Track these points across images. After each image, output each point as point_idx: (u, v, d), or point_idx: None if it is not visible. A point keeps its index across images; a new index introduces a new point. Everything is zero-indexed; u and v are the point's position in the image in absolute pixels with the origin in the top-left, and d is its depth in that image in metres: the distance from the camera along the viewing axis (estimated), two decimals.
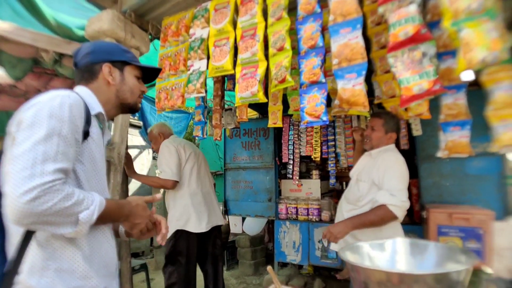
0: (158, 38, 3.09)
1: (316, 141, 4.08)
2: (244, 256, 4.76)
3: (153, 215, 1.17)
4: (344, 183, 4.86)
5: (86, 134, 1.01)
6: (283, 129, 4.29)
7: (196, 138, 4.05)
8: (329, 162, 4.07)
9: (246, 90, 2.04)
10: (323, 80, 1.80)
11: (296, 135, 4.25)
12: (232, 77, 3.23)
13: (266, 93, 2.14)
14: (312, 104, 1.82)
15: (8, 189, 0.81)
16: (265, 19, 2.08)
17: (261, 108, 4.52)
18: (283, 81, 1.90)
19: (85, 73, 1.18)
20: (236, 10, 2.25)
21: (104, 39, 2.63)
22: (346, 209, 2.29)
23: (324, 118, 1.76)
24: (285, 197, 4.35)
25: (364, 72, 1.67)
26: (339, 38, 1.74)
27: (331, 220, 3.98)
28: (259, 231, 5.01)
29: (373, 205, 2.06)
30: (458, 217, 2.80)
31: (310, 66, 1.84)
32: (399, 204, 1.94)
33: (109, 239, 1.12)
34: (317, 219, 4.01)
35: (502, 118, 1.94)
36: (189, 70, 2.40)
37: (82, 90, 1.15)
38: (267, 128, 4.47)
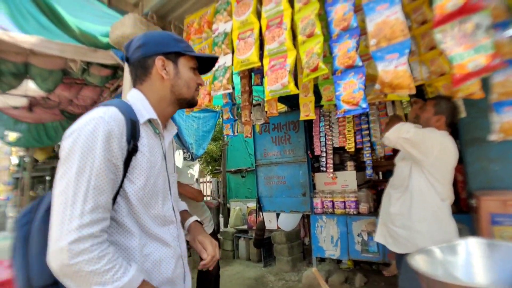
0: None
1: (349, 131, 3.91)
2: (281, 252, 4.68)
3: None
4: (380, 173, 4.64)
5: (134, 151, 0.96)
6: (314, 121, 4.15)
7: (225, 136, 4.01)
8: (364, 152, 3.87)
9: (276, 83, 1.93)
10: (360, 64, 1.66)
11: (328, 126, 4.09)
12: (259, 71, 3.13)
13: (296, 84, 2.02)
14: (348, 91, 1.68)
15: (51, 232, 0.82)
16: (291, 5, 1.96)
17: (290, 101, 4.39)
18: (315, 69, 1.78)
19: (138, 69, 1.10)
20: (259, 0, 2.15)
21: None
22: (395, 197, 2.09)
23: (364, 105, 1.62)
24: (320, 190, 4.21)
25: (407, 51, 1.51)
26: (375, 16, 1.59)
27: (370, 213, 3.80)
28: (295, 226, 4.91)
29: (421, 189, 1.94)
30: None
31: (344, 49, 1.69)
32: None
33: (173, 247, 1.07)
34: (355, 212, 3.84)
35: None
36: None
37: (133, 95, 1.09)
38: (297, 121, 4.34)
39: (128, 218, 0.95)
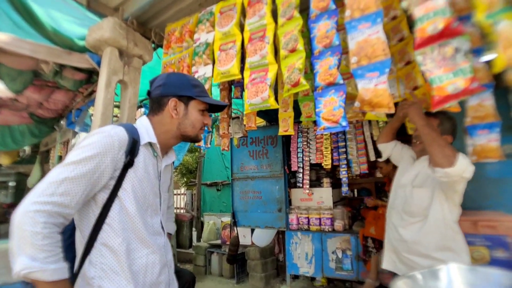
0: (162, 46, 2.99)
1: (326, 148, 3.94)
2: (254, 269, 4.57)
3: None
4: (355, 190, 4.68)
5: (129, 164, 1.12)
6: (292, 136, 4.15)
7: (202, 148, 3.92)
8: (341, 169, 3.90)
9: (256, 96, 1.91)
10: (341, 81, 1.66)
11: (305, 142, 4.10)
12: (239, 84, 3.11)
13: (276, 99, 1.99)
14: (329, 108, 1.67)
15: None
16: (275, 20, 1.96)
17: (269, 116, 4.38)
18: (296, 84, 1.77)
19: (154, 104, 1.28)
20: (243, 12, 2.14)
21: (106, 48, 2.52)
22: (403, 224, 1.98)
23: (344, 123, 1.61)
24: (295, 206, 4.19)
25: (387, 70, 1.52)
26: (357, 34, 1.60)
27: (345, 230, 3.81)
28: (269, 242, 4.82)
29: (444, 218, 1.83)
30: (484, 225, 2.62)
31: (326, 66, 1.69)
32: (460, 173, 1.65)
33: (159, 255, 1.18)
34: (330, 229, 3.83)
35: None
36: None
37: (141, 121, 1.27)
38: (275, 136, 4.32)
39: (120, 223, 1.08)
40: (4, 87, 3.14)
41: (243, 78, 2.04)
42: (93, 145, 1.04)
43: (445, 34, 1.40)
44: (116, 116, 3.14)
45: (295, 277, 4.30)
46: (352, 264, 3.62)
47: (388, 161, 2.53)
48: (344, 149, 3.90)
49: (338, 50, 1.69)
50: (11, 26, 2.80)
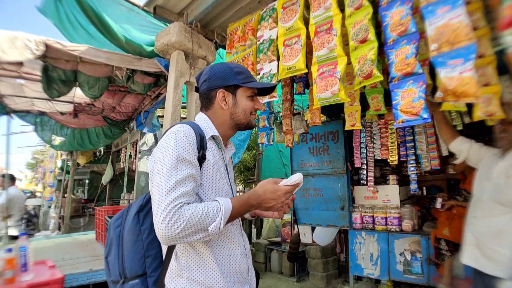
0: (223, 47, 3.07)
1: (392, 142, 3.72)
2: (315, 268, 4.50)
3: (288, 191, 1.14)
4: (424, 188, 4.36)
5: (202, 159, 1.12)
6: (354, 131, 3.99)
7: (260, 145, 3.95)
8: (409, 165, 3.64)
9: (325, 90, 1.86)
10: (420, 71, 1.55)
11: (369, 137, 3.92)
12: (301, 79, 3.07)
13: None
14: (407, 100, 1.57)
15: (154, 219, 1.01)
16: (341, 10, 1.89)
17: (329, 110, 4.26)
18: (369, 76, 1.69)
19: (204, 99, 1.29)
20: (307, 6, 2.10)
21: (173, 52, 2.66)
22: (494, 214, 1.92)
23: (425, 115, 1.50)
24: (359, 205, 4.03)
25: (473, 56, 1.39)
26: (436, 19, 1.48)
27: (414, 231, 3.58)
28: (330, 241, 4.71)
29: None
30: None
31: (402, 56, 1.59)
32: None
33: (238, 245, 1.19)
34: (397, 229, 3.62)
35: None
36: (258, 74, 2.29)
37: (199, 116, 1.28)
38: (336, 131, 4.20)
39: None
40: (84, 93, 3.49)
41: (310, 72, 2.00)
42: (176, 147, 1.07)
43: None
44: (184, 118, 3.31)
45: (358, 278, 4.14)
46: (422, 267, 3.39)
47: None
48: (412, 144, 3.64)
49: (415, 37, 1.57)
50: (87, 37, 3.11)
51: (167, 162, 1.04)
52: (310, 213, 4.36)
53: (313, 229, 4.82)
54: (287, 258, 4.66)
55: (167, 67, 2.86)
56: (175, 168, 1.03)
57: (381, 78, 1.66)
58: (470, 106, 2.15)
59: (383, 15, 1.69)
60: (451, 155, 3.29)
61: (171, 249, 1.11)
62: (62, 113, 4.64)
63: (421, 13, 1.53)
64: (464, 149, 2.27)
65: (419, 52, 1.73)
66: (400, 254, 3.55)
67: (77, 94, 3.80)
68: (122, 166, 6.65)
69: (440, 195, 3.50)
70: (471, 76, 1.38)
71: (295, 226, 4.59)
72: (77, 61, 2.99)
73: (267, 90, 1.38)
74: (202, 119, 1.27)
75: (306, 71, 2.03)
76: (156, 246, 1.18)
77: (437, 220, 3.38)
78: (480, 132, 3.36)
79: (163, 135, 1.15)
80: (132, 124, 5.13)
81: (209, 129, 1.24)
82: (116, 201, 7.12)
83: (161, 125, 5.52)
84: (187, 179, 1.03)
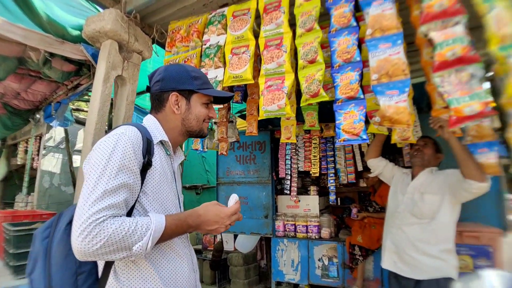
0: (161, 44, 2.90)
1: (314, 156, 3.99)
2: (237, 275, 4.51)
3: (233, 213, 1.11)
4: (338, 199, 4.78)
5: (148, 165, 1.04)
6: (280, 143, 4.16)
7: (195, 150, 3.82)
8: (329, 178, 3.97)
9: (272, 103, 1.90)
10: (362, 96, 1.70)
11: (294, 150, 4.14)
12: (240, 89, 3.08)
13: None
14: (349, 121, 1.70)
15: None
16: (292, 29, 1.97)
17: (259, 121, 4.36)
18: (315, 95, 1.78)
19: (155, 101, 1.21)
20: (257, 18, 2.13)
21: (105, 40, 2.41)
22: (410, 223, 2.20)
23: (364, 136, 1.65)
24: (282, 213, 4.20)
25: (407, 89, 1.58)
26: (378, 53, 1.64)
27: (331, 237, 3.87)
28: (252, 248, 4.80)
29: (449, 223, 2.11)
30: (468, 235, 2.79)
31: (347, 80, 1.72)
32: (486, 188, 1.95)
33: (185, 259, 1.12)
34: (316, 237, 3.88)
35: None
36: None
37: (148, 119, 1.20)
38: (263, 141, 4.32)
39: None
40: None
41: (255, 83, 2.02)
42: (115, 151, 0.98)
43: (462, 61, 1.48)
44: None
45: (278, 283, 4.30)
46: (338, 271, 3.68)
47: None
48: (332, 158, 3.98)
49: (359, 66, 1.72)
50: (0, 9, 2.60)
51: (98, 168, 0.94)
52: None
53: (235, 236, 4.84)
54: (209, 266, 4.58)
55: (94, 56, 2.56)
56: (106, 175, 0.93)
57: (327, 98, 1.77)
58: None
59: (331, 41, 1.81)
60: (365, 170, 3.70)
61: (109, 264, 1.00)
62: None
63: (366, 44, 1.69)
64: (380, 165, 2.58)
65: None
66: (319, 260, 3.80)
67: None
68: (19, 163, 5.67)
69: (354, 205, 3.90)
70: (405, 106, 1.57)
71: (218, 234, 4.55)
72: None
73: (224, 98, 1.34)
74: (151, 122, 1.18)
75: (252, 81, 2.04)
76: (91, 261, 1.05)
77: (351, 228, 3.74)
78: (388, 151, 3.84)
79: (106, 135, 1.05)
80: (38, 115, 4.44)
81: (158, 133, 1.15)
82: (10, 204, 5.95)
83: (76, 120, 4.91)
84: (120, 189, 0.94)
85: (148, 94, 4.50)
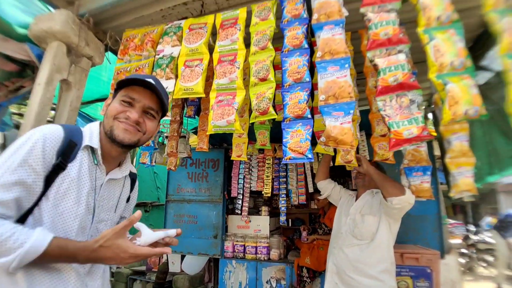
0: (114, 51, 2.79)
1: (267, 176, 4.00)
2: None
3: (144, 256, 0.95)
4: (289, 220, 4.79)
5: (59, 168, 0.96)
6: (234, 162, 4.13)
7: (141, 165, 3.66)
8: (280, 198, 3.99)
9: (221, 118, 1.87)
10: (309, 116, 1.73)
11: (247, 169, 4.12)
12: (193, 103, 3.02)
13: None
14: (295, 140, 1.71)
15: None
16: (246, 46, 1.99)
17: (212, 139, 4.31)
18: (265, 112, 1.79)
19: None
20: (213, 33, 2.12)
21: (53, 41, 2.26)
22: (350, 244, 2.26)
23: (309, 155, 1.67)
24: (232, 233, 4.10)
25: (352, 112, 1.64)
26: (327, 74, 1.70)
27: (280, 259, 3.83)
28: (200, 270, 4.60)
29: (387, 243, 2.20)
30: (409, 257, 2.91)
31: (296, 100, 1.75)
32: (409, 200, 2.10)
33: (70, 277, 0.98)
34: (265, 258, 3.82)
35: (459, 165, 2.07)
36: None
37: (94, 124, 1.12)
38: (217, 159, 4.26)
39: None
40: None
41: (206, 97, 1.99)
42: (23, 145, 0.92)
43: (403, 87, 1.58)
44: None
45: None
46: None
47: None
48: (284, 179, 4.01)
49: (308, 86, 1.76)
50: None
51: (0, 161, 0.90)
52: (182, 241, 4.17)
53: (182, 257, 4.62)
54: None
55: (39, 57, 2.37)
56: (3, 168, 0.88)
57: (276, 116, 1.78)
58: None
59: (283, 60, 1.85)
60: (315, 192, 3.77)
61: None
62: None
63: (315, 66, 1.75)
64: (329, 187, 2.67)
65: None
66: (267, 282, 3.72)
67: None
68: None
69: (303, 227, 3.92)
70: (350, 128, 1.62)
71: (164, 255, 4.30)
72: None
73: (153, 87, 1.09)
74: (93, 127, 1.10)
75: (203, 95, 2.01)
76: None
77: (300, 250, 3.74)
78: (339, 174, 3.96)
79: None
80: None
81: (90, 137, 1.06)
82: None
83: (16, 125, 4.49)
84: (14, 186, 0.87)
85: (99, 104, 4.25)
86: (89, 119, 4.58)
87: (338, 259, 2.29)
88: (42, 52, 2.37)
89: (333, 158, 2.46)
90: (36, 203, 0.94)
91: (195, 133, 4.63)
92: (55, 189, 0.95)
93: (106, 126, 1.06)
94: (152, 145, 3.05)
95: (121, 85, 1.10)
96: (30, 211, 0.93)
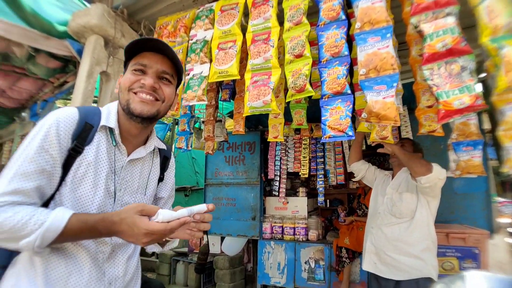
0: None
1: (304, 157, 3.95)
2: (222, 279, 4.42)
3: (158, 232, 0.84)
4: (327, 200, 4.75)
5: (75, 152, 0.93)
6: (270, 144, 4.12)
7: (178, 150, 3.77)
8: (318, 179, 3.94)
9: (257, 99, 1.85)
10: (349, 91, 1.66)
11: (284, 151, 4.09)
12: (228, 87, 3.03)
13: None
14: (335, 117, 1.66)
15: None
16: (280, 24, 1.93)
17: (248, 121, 4.32)
18: (302, 90, 1.74)
19: None
20: (245, 13, 2.09)
21: (91, 35, 2.35)
22: (390, 223, 2.22)
23: (350, 133, 1.61)
24: (270, 215, 4.14)
25: (395, 85, 1.55)
26: (367, 46, 1.61)
27: (318, 240, 3.83)
28: (239, 251, 4.72)
29: (427, 221, 2.14)
30: (455, 237, 2.77)
31: (334, 75, 1.69)
32: (438, 176, 2.03)
33: (85, 263, 0.95)
34: (304, 239, 3.83)
35: None
36: (188, 74, 2.17)
37: (113, 103, 1.06)
38: (253, 142, 4.27)
39: None
40: None
41: (241, 79, 1.98)
42: (39, 132, 0.90)
43: (453, 52, 1.46)
44: None
45: (264, 287, 4.23)
46: (324, 274, 3.63)
47: None
48: (322, 159, 3.95)
49: (346, 60, 1.69)
50: None
51: (19, 150, 0.88)
52: (221, 223, 4.29)
53: (222, 239, 4.76)
54: (194, 269, 4.46)
55: (80, 52, 2.48)
56: (22, 158, 0.86)
57: (313, 93, 1.73)
58: None
59: (319, 35, 1.78)
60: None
61: (17, 253, 0.94)
62: None
63: (354, 39, 1.66)
64: (363, 169, 2.62)
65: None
66: (305, 262, 3.75)
67: None
68: (3, 163, 5.50)
69: (341, 207, 3.87)
70: (393, 102, 1.53)
71: (205, 236, 4.44)
72: None
73: (163, 51, 1.02)
74: (111, 106, 1.04)
75: (238, 77, 1.99)
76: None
77: (339, 230, 3.70)
78: (373, 153, 3.83)
79: None
80: (24, 114, 4.30)
81: (107, 117, 1.00)
82: None
83: None
84: (33, 174, 0.85)
85: None
86: None
87: (377, 239, 2.26)
88: (82, 47, 2.47)
89: (367, 136, 2.37)
90: (57, 189, 0.93)
91: (231, 117, 4.68)
92: (72, 174, 0.93)
93: (122, 101, 1.00)
94: (188, 129, 3.11)
95: (129, 54, 1.04)
96: (51, 196, 0.93)
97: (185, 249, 5.22)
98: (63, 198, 0.92)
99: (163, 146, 1.21)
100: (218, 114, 3.30)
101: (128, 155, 1.06)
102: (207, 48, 2.14)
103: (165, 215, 0.84)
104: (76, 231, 0.85)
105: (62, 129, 0.90)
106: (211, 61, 2.10)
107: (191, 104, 2.09)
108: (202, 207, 0.92)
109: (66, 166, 0.92)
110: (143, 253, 5.87)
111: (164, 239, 1.09)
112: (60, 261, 0.92)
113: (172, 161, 1.30)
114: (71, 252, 0.94)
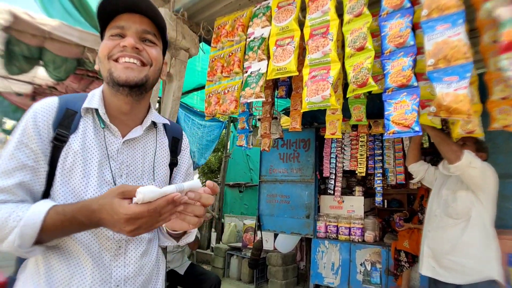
0: (207, 41, 2.95)
1: (361, 155, 3.81)
2: (275, 275, 4.46)
3: (137, 216, 0.69)
4: (385, 201, 4.52)
5: (58, 142, 0.85)
6: (325, 141, 4.04)
7: (231, 147, 3.86)
8: (376, 178, 3.77)
9: (316, 94, 1.82)
10: (415, 84, 1.57)
11: (340, 148, 3.99)
12: (284, 83, 3.04)
13: None
14: (400, 112, 1.58)
15: None
16: (339, 16, 1.88)
17: (303, 118, 4.26)
18: (364, 84, 1.68)
19: None
20: (303, 8, 2.07)
21: None
22: (448, 225, 2.11)
23: (417, 128, 1.52)
24: (324, 214, 4.07)
25: (469, 75, 1.42)
26: (435, 35, 1.51)
27: (375, 242, 3.67)
28: (292, 249, 4.72)
29: (483, 220, 2.02)
30: None
31: (399, 67, 1.60)
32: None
33: (87, 263, 0.85)
34: (359, 240, 3.70)
35: None
36: (246, 72, 2.21)
37: (97, 88, 0.96)
38: (307, 139, 4.23)
39: None
40: (47, 74, 3.16)
41: (300, 75, 1.97)
42: (18, 127, 0.85)
43: None
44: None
45: (317, 286, 4.17)
46: (381, 278, 3.48)
47: None
48: (380, 157, 3.77)
49: (412, 50, 1.59)
50: (61, 12, 2.83)
51: (6, 146, 0.84)
52: (275, 220, 4.32)
53: (275, 235, 4.79)
54: (248, 264, 4.57)
55: None
56: (3, 155, 0.81)
57: (376, 87, 1.66)
58: None
59: (382, 25, 1.70)
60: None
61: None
62: (18, 94, 4.16)
63: (421, 28, 1.56)
64: (421, 170, 2.49)
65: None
66: (361, 264, 3.62)
67: (39, 75, 3.44)
68: None
69: (397, 215, 3.57)
70: (466, 94, 1.42)
71: (258, 232, 4.53)
72: (44, 37, 2.69)
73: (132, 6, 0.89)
74: (97, 89, 0.95)
75: (297, 73, 1.98)
76: None
77: (398, 232, 3.51)
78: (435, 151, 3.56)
79: None
80: None
81: (90, 99, 0.91)
82: None
83: None
84: (14, 171, 0.80)
85: (195, 93, 4.55)
86: (187, 108, 5.00)
87: (434, 242, 2.15)
88: None
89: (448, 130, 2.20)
90: (51, 184, 0.85)
91: (286, 114, 4.68)
92: (61, 166, 0.85)
93: (104, 73, 0.88)
94: (247, 127, 3.18)
95: (103, 22, 0.91)
96: (47, 193, 0.86)
97: (239, 244, 5.36)
98: (57, 193, 0.84)
99: (165, 121, 1.08)
100: (274, 111, 3.32)
101: (125, 136, 0.94)
102: (265, 45, 2.16)
103: (146, 193, 0.68)
104: (57, 225, 0.76)
105: (40, 119, 0.84)
106: (268, 58, 2.12)
107: (249, 101, 2.13)
108: (195, 183, 0.77)
109: (54, 158, 0.85)
110: (199, 246, 6.14)
111: (166, 228, 0.97)
112: (61, 263, 0.84)
113: (185, 142, 1.14)
114: (72, 252, 0.85)
